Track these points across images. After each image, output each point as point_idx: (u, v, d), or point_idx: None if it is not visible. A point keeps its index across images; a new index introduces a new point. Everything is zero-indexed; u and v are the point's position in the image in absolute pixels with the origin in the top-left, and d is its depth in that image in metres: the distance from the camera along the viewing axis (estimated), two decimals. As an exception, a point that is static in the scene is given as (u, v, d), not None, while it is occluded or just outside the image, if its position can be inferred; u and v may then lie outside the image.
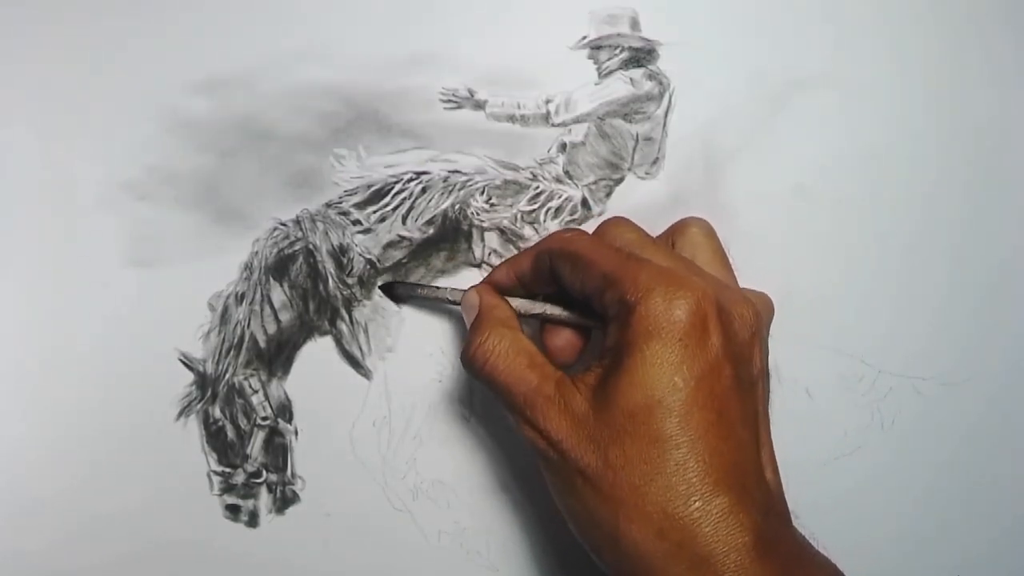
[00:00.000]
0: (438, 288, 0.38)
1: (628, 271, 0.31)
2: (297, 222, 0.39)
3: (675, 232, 0.37)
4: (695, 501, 0.28)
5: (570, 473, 0.30)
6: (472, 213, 0.40)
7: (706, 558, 0.27)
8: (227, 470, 0.38)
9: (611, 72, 0.41)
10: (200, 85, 0.40)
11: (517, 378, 0.32)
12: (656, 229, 0.40)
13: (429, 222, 0.40)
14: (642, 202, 0.40)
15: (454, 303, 0.37)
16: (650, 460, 0.29)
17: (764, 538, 0.28)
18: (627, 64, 0.41)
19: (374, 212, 0.40)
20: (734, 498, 0.28)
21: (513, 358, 0.33)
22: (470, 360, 0.33)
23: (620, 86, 0.41)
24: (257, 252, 0.39)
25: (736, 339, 0.31)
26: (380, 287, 0.39)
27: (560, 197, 0.40)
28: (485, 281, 0.37)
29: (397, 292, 0.39)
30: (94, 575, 0.37)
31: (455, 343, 0.39)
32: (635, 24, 0.41)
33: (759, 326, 0.32)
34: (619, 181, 0.41)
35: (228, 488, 0.38)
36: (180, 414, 0.38)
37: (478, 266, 0.40)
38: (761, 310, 0.33)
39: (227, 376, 0.38)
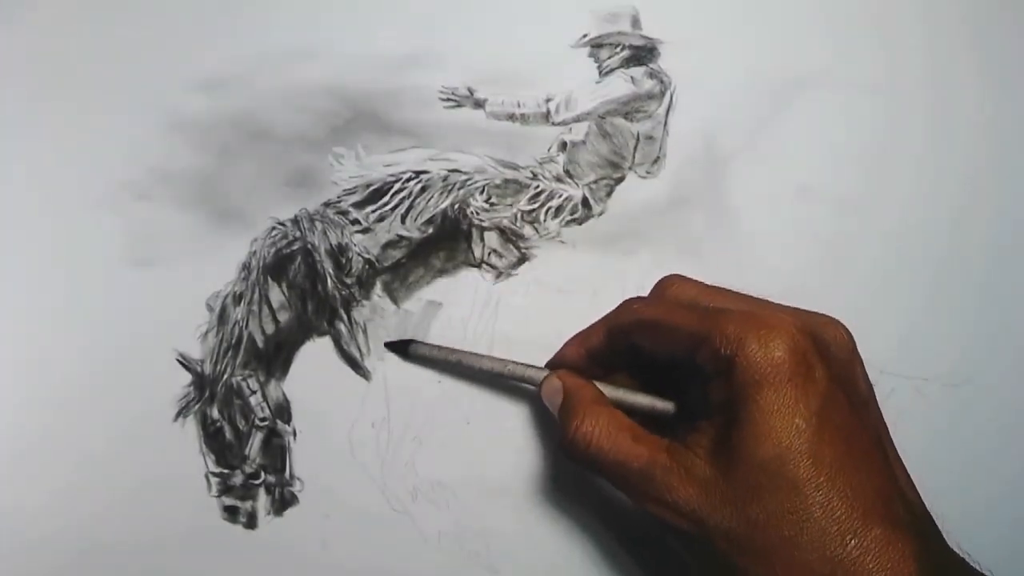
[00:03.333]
0: (504, 362, 0.36)
1: (715, 325, 0.30)
2: (295, 222, 0.39)
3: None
4: (850, 539, 0.27)
5: (711, 540, 0.29)
6: (472, 212, 0.40)
7: None
8: (225, 471, 0.38)
9: (612, 70, 0.41)
10: (200, 85, 0.40)
11: (626, 454, 0.31)
12: (657, 229, 0.40)
13: (428, 221, 0.40)
14: (643, 201, 0.40)
15: (526, 382, 0.36)
16: (795, 509, 0.28)
17: (928, 563, 0.27)
18: (628, 62, 0.41)
19: (373, 211, 0.39)
20: (888, 527, 0.28)
21: (616, 435, 0.32)
22: (570, 444, 0.32)
23: (621, 84, 0.41)
24: (255, 252, 0.39)
25: (838, 363, 0.31)
26: (396, 347, 0.38)
27: (560, 196, 0.40)
28: (558, 362, 0.37)
29: (419, 352, 0.38)
30: (92, 575, 0.37)
31: (455, 343, 0.39)
32: (636, 22, 0.41)
33: (853, 344, 0.32)
34: (620, 180, 0.40)
35: (226, 489, 0.37)
36: (178, 415, 0.38)
37: (478, 266, 0.40)
38: (847, 328, 0.33)
39: (225, 377, 0.38)
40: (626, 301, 0.35)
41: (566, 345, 0.37)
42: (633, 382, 0.35)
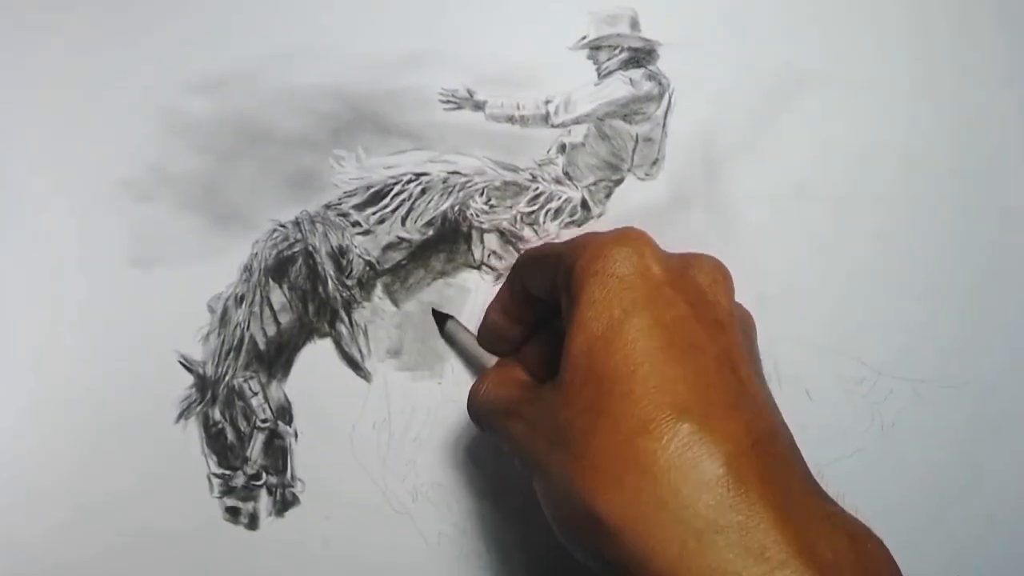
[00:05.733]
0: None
1: (573, 241, 0.30)
2: (296, 223, 0.39)
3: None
4: (649, 429, 0.24)
5: (537, 466, 0.27)
6: (471, 214, 0.40)
7: (669, 501, 0.23)
8: (227, 472, 0.38)
9: (611, 72, 0.41)
10: (200, 85, 0.40)
11: (501, 397, 0.31)
12: (656, 230, 0.40)
13: (428, 223, 0.40)
14: (642, 203, 0.40)
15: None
16: (594, 404, 0.25)
17: (740, 469, 0.24)
18: (627, 64, 0.41)
19: (373, 213, 0.40)
20: (696, 425, 0.24)
21: (501, 384, 0.32)
22: (468, 407, 0.34)
23: (620, 87, 0.41)
24: (256, 254, 0.39)
25: (690, 281, 0.28)
26: (438, 317, 0.39)
27: (560, 198, 0.40)
28: (481, 326, 0.37)
29: (453, 333, 0.39)
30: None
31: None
32: (635, 24, 0.41)
33: (724, 275, 0.30)
34: (619, 182, 0.41)
35: (228, 490, 0.38)
36: (180, 416, 0.38)
37: (477, 268, 0.40)
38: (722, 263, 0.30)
39: (227, 378, 0.38)
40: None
41: (489, 305, 0.37)
42: (546, 345, 0.34)
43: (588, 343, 0.26)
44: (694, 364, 0.26)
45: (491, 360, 0.37)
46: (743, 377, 0.27)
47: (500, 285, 0.38)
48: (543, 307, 0.34)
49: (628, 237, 0.28)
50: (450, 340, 0.39)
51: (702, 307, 0.28)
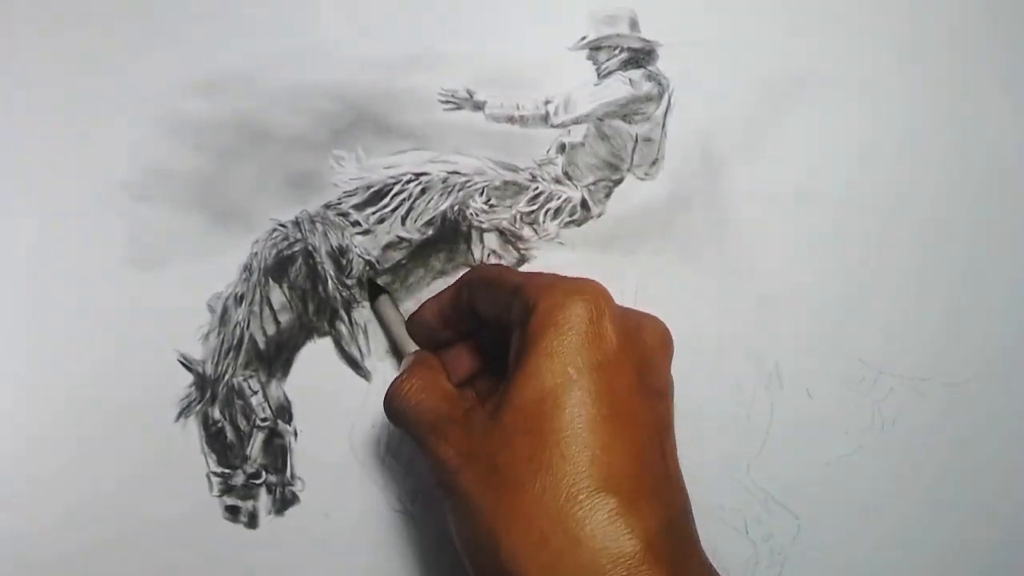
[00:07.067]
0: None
1: (533, 280, 0.30)
2: (296, 223, 0.39)
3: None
4: (580, 499, 0.25)
5: (461, 496, 0.27)
6: (471, 214, 0.40)
7: (587, 568, 0.24)
8: (227, 471, 0.38)
9: (610, 73, 0.41)
10: (200, 85, 0.40)
11: (427, 408, 0.31)
12: (655, 230, 0.40)
13: (428, 223, 0.40)
14: (641, 203, 0.40)
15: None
16: (535, 456, 0.26)
17: (655, 547, 0.25)
18: (626, 65, 0.41)
19: (373, 213, 0.40)
20: (624, 501, 0.25)
21: (427, 391, 0.31)
22: (386, 400, 0.33)
23: (619, 87, 0.41)
24: (256, 253, 0.39)
25: (640, 345, 0.30)
26: (370, 281, 0.39)
27: (559, 198, 0.40)
28: (417, 318, 0.37)
29: (382, 308, 0.39)
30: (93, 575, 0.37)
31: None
32: (634, 24, 0.41)
33: (669, 340, 0.31)
34: (618, 182, 0.41)
35: (227, 489, 0.38)
36: (179, 415, 0.38)
37: (477, 267, 0.40)
38: (667, 328, 0.31)
39: (226, 377, 0.38)
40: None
41: (425, 303, 0.37)
42: (472, 355, 0.35)
43: (539, 394, 0.27)
44: (631, 437, 0.27)
45: (410, 346, 0.37)
46: (668, 453, 0.29)
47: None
48: (479, 322, 0.34)
49: (590, 291, 0.29)
50: (377, 313, 0.39)
51: (647, 375, 0.29)
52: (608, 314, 0.28)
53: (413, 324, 0.37)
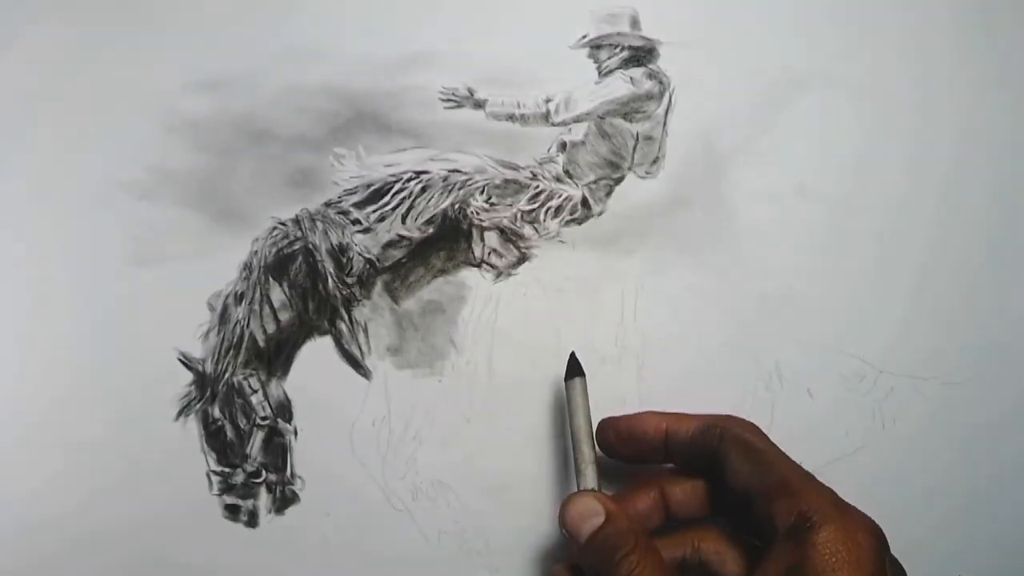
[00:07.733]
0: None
1: (807, 487, 0.30)
2: (296, 221, 0.39)
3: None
4: None
5: None
6: (472, 212, 0.40)
7: None
8: (226, 470, 0.38)
9: (611, 71, 0.41)
10: (200, 85, 0.40)
11: None
12: (656, 229, 0.40)
13: (429, 221, 0.40)
14: (642, 201, 0.40)
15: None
16: None
17: None
18: (627, 63, 0.41)
19: (373, 211, 0.40)
20: None
21: (657, 569, 0.31)
22: (614, 568, 0.31)
23: (620, 85, 0.41)
24: (256, 251, 0.39)
25: (893, 562, 0.31)
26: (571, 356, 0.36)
27: (560, 196, 0.40)
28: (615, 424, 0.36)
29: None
30: (92, 574, 0.37)
31: (456, 342, 0.39)
32: (635, 23, 0.41)
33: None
34: (619, 180, 0.41)
35: (227, 488, 0.38)
36: (179, 414, 0.38)
37: (478, 265, 0.40)
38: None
39: (226, 376, 0.38)
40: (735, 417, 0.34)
41: (647, 413, 0.35)
42: (660, 510, 0.34)
43: None
44: None
45: (588, 443, 0.35)
46: None
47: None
48: (681, 461, 0.34)
49: (870, 531, 0.30)
50: (568, 394, 0.36)
51: None
52: (884, 555, 0.30)
53: (610, 429, 0.36)
